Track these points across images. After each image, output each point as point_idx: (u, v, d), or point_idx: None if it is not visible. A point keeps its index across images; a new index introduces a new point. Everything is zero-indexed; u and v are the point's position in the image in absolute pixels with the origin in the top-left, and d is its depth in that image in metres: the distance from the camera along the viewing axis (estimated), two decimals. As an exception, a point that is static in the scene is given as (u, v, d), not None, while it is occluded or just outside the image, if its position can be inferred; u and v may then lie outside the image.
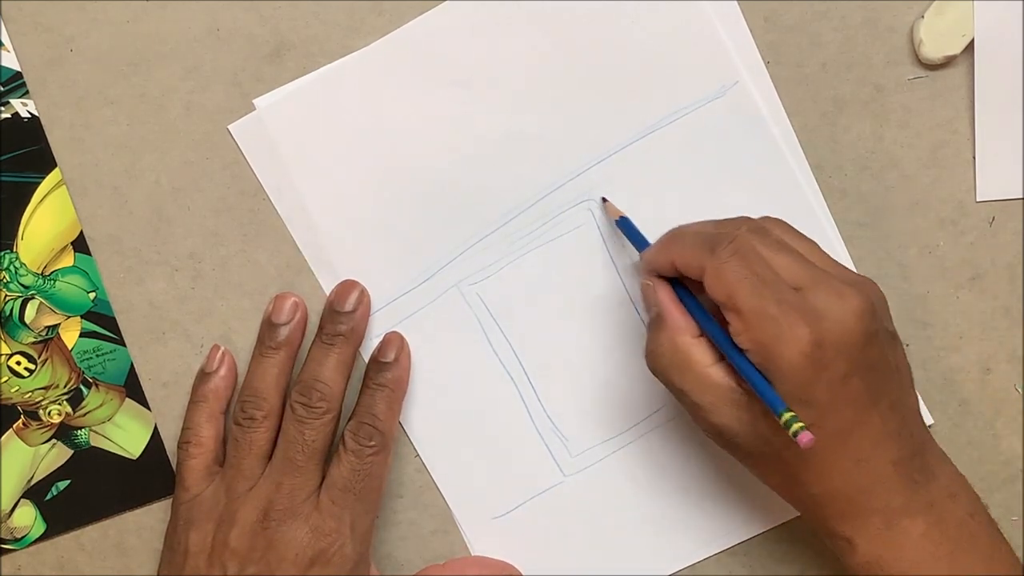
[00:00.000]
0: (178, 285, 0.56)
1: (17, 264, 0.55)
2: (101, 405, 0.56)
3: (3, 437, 0.56)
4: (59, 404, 0.56)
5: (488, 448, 0.56)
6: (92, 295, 0.56)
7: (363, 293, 0.55)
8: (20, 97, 0.55)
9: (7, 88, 0.55)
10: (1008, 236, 0.55)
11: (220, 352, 0.55)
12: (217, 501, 0.52)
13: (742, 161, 0.55)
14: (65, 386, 0.56)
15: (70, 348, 0.56)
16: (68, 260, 0.55)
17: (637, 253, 0.52)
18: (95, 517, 0.56)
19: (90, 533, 0.57)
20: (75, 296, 0.56)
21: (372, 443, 0.52)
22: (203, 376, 0.55)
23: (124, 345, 0.56)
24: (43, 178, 0.55)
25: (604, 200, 0.55)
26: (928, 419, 0.55)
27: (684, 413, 0.56)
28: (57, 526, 0.56)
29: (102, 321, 0.56)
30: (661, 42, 0.54)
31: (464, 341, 0.56)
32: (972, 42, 0.54)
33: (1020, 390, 0.56)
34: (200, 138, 0.55)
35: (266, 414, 0.53)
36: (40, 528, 0.56)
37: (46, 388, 0.56)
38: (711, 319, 0.48)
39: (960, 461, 0.50)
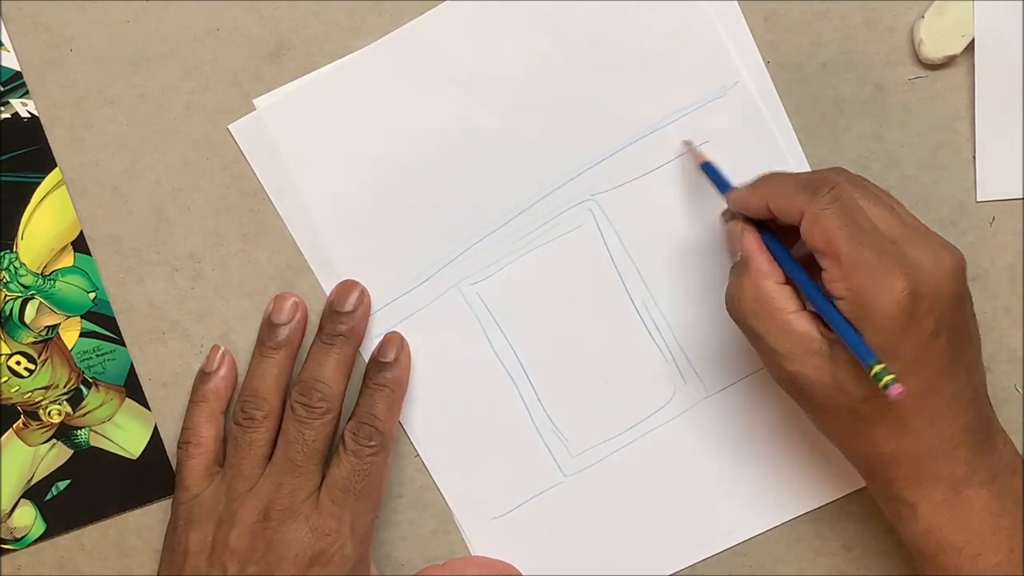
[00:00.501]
0: (178, 285, 0.56)
1: (17, 264, 0.55)
2: (101, 405, 0.56)
3: (3, 437, 0.56)
4: (59, 404, 0.56)
5: (488, 448, 0.56)
6: (92, 295, 0.56)
7: (363, 293, 0.55)
8: (20, 97, 0.55)
9: (7, 88, 0.55)
10: (1008, 236, 0.55)
11: (220, 352, 0.55)
12: (217, 501, 0.52)
13: (742, 161, 0.54)
14: (65, 386, 0.56)
15: (70, 348, 0.56)
16: (68, 260, 0.55)
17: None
18: (95, 517, 0.56)
19: (90, 533, 0.57)
20: (75, 296, 0.56)
21: (372, 443, 0.52)
22: (203, 376, 0.55)
23: (124, 345, 0.56)
24: (43, 178, 0.55)
25: (687, 143, 0.54)
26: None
27: (684, 414, 0.56)
28: (57, 526, 0.56)
29: (102, 321, 0.56)
30: (661, 42, 0.54)
31: (464, 341, 0.56)
32: (972, 42, 0.54)
33: (1020, 390, 0.56)
34: (200, 138, 0.55)
35: (266, 414, 0.53)
36: (40, 528, 0.56)
37: (46, 388, 0.56)
38: (798, 266, 0.47)
39: (960, 461, 0.50)
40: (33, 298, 0.55)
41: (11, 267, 0.55)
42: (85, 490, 0.56)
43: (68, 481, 0.56)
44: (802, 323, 0.47)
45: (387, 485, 0.56)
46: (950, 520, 0.47)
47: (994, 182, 0.55)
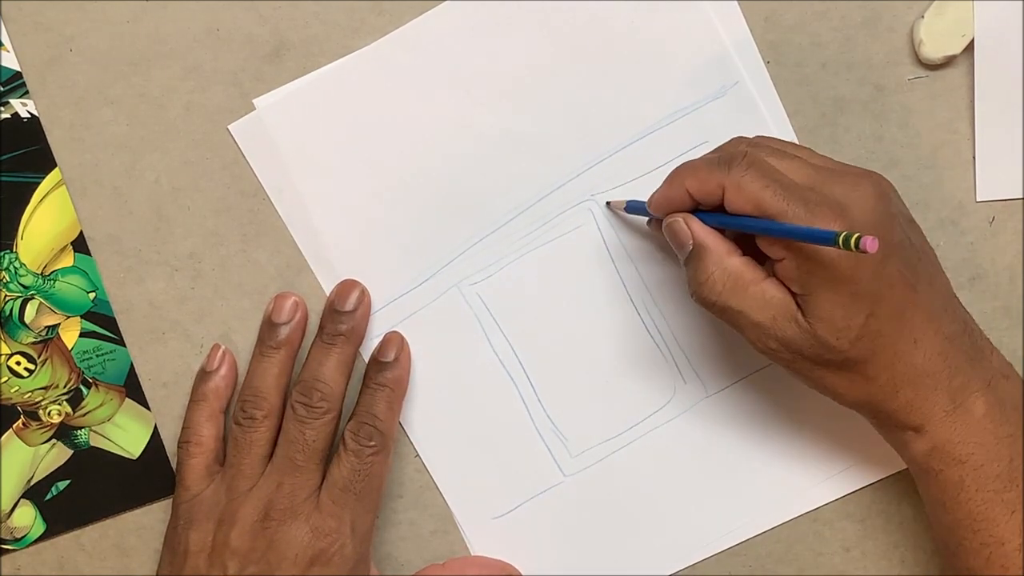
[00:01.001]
0: (178, 285, 0.56)
1: (17, 264, 0.55)
2: (101, 405, 0.56)
3: (3, 437, 0.56)
4: (59, 404, 0.56)
5: (488, 448, 0.56)
6: (92, 295, 0.56)
7: (363, 293, 0.55)
8: (20, 97, 0.55)
9: (7, 88, 0.55)
10: (1008, 236, 0.55)
11: (220, 351, 0.55)
12: (217, 501, 0.52)
13: (742, 161, 0.55)
14: (65, 386, 0.56)
15: (70, 348, 0.56)
16: (68, 260, 0.55)
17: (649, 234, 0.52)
18: (95, 517, 0.56)
19: (90, 533, 0.57)
20: (75, 296, 0.56)
21: (372, 443, 0.52)
22: (203, 375, 0.55)
23: (124, 345, 0.56)
24: (43, 178, 0.55)
25: (608, 204, 0.55)
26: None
27: (684, 414, 0.56)
28: (57, 526, 0.56)
29: (102, 321, 0.56)
30: (661, 42, 0.54)
31: (464, 341, 0.56)
32: (972, 42, 0.54)
33: (1020, 390, 0.56)
34: (200, 138, 0.55)
35: (266, 414, 0.53)
36: (40, 528, 0.56)
37: (46, 388, 0.56)
38: (742, 216, 0.47)
39: (960, 461, 0.50)
40: (33, 298, 0.55)
41: (11, 267, 0.55)
42: (85, 490, 0.56)
43: (68, 481, 0.56)
44: (774, 289, 0.47)
45: (387, 485, 0.56)
46: (953, 433, 0.48)
47: (994, 182, 0.55)
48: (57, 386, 0.56)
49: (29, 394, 0.56)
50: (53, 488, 0.56)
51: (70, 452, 0.56)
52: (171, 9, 0.54)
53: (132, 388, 0.56)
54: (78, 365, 0.56)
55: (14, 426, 0.56)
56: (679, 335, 0.56)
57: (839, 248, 0.42)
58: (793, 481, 0.56)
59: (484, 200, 0.55)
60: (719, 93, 0.54)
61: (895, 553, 0.57)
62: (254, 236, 0.56)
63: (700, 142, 0.54)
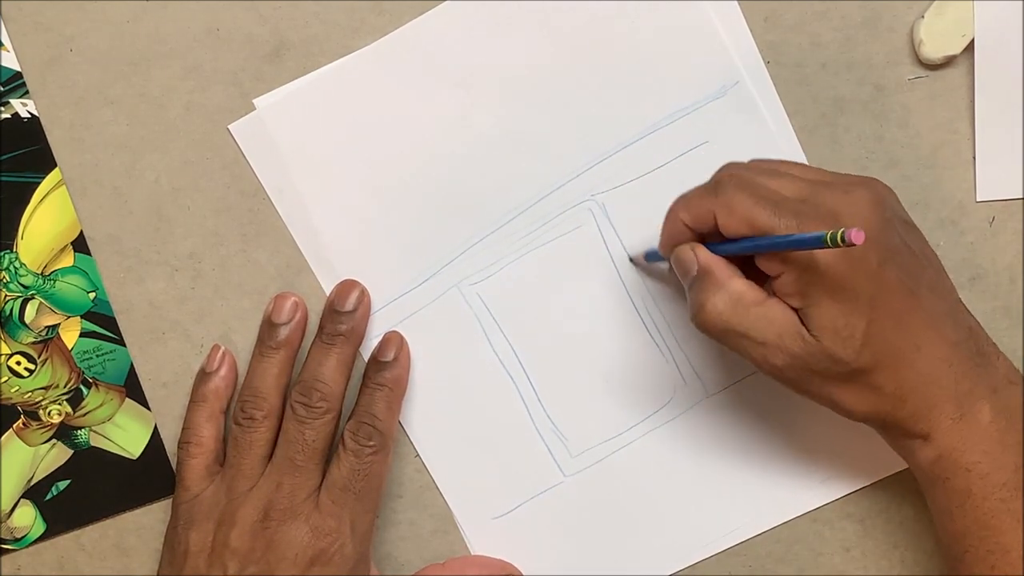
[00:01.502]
0: (178, 285, 0.56)
1: (17, 264, 0.55)
2: (101, 405, 0.56)
3: (3, 437, 0.56)
4: (59, 404, 0.56)
5: (488, 448, 0.56)
6: (92, 295, 0.56)
7: (363, 293, 0.55)
8: (20, 97, 0.55)
9: (7, 88, 0.55)
10: (1008, 236, 0.55)
11: (220, 352, 0.55)
12: (217, 501, 0.52)
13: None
14: (65, 386, 0.56)
15: (70, 348, 0.56)
16: (68, 260, 0.55)
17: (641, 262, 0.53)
18: (95, 517, 0.56)
19: (90, 533, 0.57)
20: (75, 296, 0.56)
21: (372, 443, 0.52)
22: (203, 376, 0.55)
23: (124, 345, 0.56)
24: (43, 178, 0.55)
25: (631, 259, 0.55)
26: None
27: (684, 414, 0.56)
28: (57, 526, 0.56)
29: (102, 321, 0.56)
30: (661, 42, 0.54)
31: (464, 341, 0.56)
32: (972, 42, 0.54)
33: (1020, 390, 0.56)
34: (200, 138, 0.55)
35: (266, 414, 0.53)
36: (40, 528, 0.56)
37: (46, 388, 0.56)
38: (739, 239, 0.47)
39: (960, 461, 0.50)
40: (33, 298, 0.55)
41: (11, 267, 0.55)
42: (85, 490, 0.56)
43: (68, 481, 0.56)
44: (778, 309, 0.47)
45: (387, 485, 0.56)
46: (960, 441, 0.48)
47: (994, 182, 0.55)
48: (57, 386, 0.56)
49: (29, 394, 0.56)
50: (53, 488, 0.56)
51: (70, 452, 0.56)
52: (171, 9, 0.54)
53: (132, 388, 0.56)
54: (78, 365, 0.56)
55: (14, 426, 0.56)
56: (679, 335, 0.56)
57: (827, 247, 0.42)
58: (793, 481, 0.56)
59: (484, 200, 0.55)
60: (719, 93, 0.54)
61: (895, 553, 0.57)
62: (254, 236, 0.56)
63: (700, 142, 0.54)
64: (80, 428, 0.56)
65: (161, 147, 0.55)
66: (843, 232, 0.41)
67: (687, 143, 0.55)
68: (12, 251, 0.55)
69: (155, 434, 0.56)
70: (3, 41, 0.55)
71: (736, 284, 0.48)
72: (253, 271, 0.56)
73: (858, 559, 0.57)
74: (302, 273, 0.56)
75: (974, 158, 0.55)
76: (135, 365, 0.56)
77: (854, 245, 0.41)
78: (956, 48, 0.54)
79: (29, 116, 0.55)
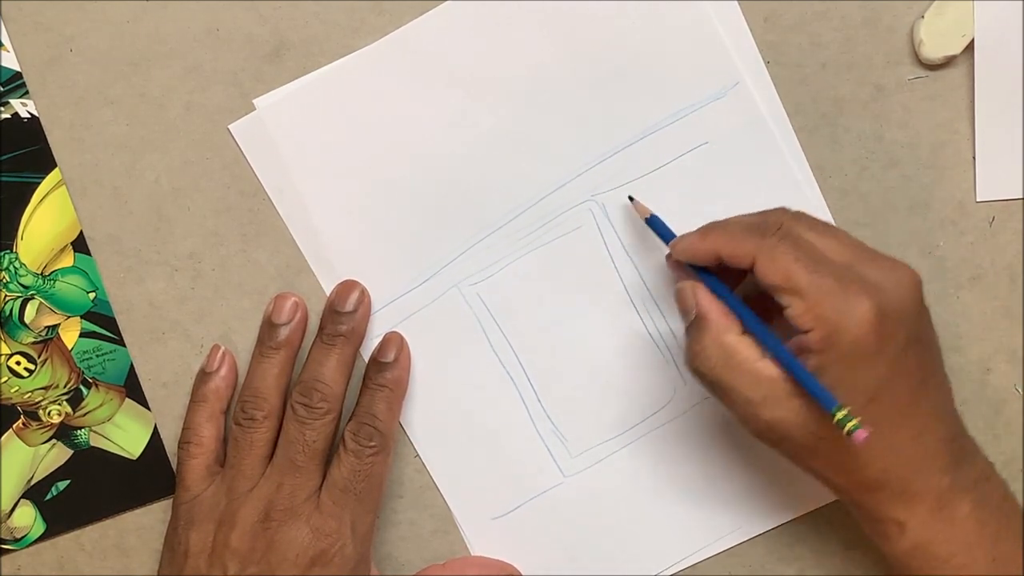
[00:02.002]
0: (178, 285, 0.56)
1: (17, 264, 0.55)
2: (101, 405, 0.56)
3: (3, 437, 0.56)
4: (59, 404, 0.56)
5: (488, 448, 0.56)
6: (92, 295, 0.56)
7: (363, 293, 0.55)
8: (20, 97, 0.55)
9: (7, 88, 0.55)
10: (1008, 236, 0.55)
11: (220, 352, 0.55)
12: (218, 501, 0.52)
13: (742, 161, 0.55)
14: (65, 386, 0.56)
15: (70, 348, 0.56)
16: (68, 260, 0.55)
17: (663, 249, 0.52)
18: (95, 517, 0.56)
19: (90, 533, 0.57)
20: (75, 296, 0.56)
21: (372, 443, 0.52)
22: (203, 376, 0.55)
23: (124, 345, 0.56)
24: (43, 178, 0.55)
25: (631, 199, 0.54)
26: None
27: (684, 414, 0.56)
28: (57, 526, 0.56)
29: (102, 321, 0.56)
30: (661, 42, 0.54)
31: (464, 341, 0.56)
32: (972, 42, 0.54)
33: (1020, 390, 0.56)
34: (200, 138, 0.55)
35: (266, 414, 0.53)
36: (40, 528, 0.56)
37: (46, 388, 0.56)
38: (756, 317, 0.48)
39: (960, 461, 0.50)
40: (33, 298, 0.55)
41: (11, 267, 0.55)
42: (85, 490, 0.56)
43: (68, 481, 0.56)
44: (769, 369, 0.47)
45: (387, 485, 0.56)
46: (937, 533, 0.47)
47: (994, 182, 0.55)
48: (57, 386, 0.56)
49: (29, 394, 0.56)
50: (53, 488, 0.56)
51: (70, 452, 0.56)
52: (171, 9, 0.54)
53: (132, 388, 0.56)
54: (78, 365, 0.56)
55: (14, 426, 0.56)
56: (679, 335, 0.56)
57: (829, 414, 0.43)
58: (794, 481, 0.56)
59: (484, 200, 0.55)
60: (719, 93, 0.54)
61: (895, 553, 0.57)
62: (254, 236, 0.56)
63: (700, 142, 0.54)
64: (80, 428, 0.56)
65: (161, 147, 0.55)
66: (852, 427, 0.42)
67: (687, 143, 0.54)
68: (12, 251, 0.55)
69: (155, 434, 0.56)
70: (3, 41, 0.55)
71: (730, 339, 0.48)
72: (253, 271, 0.56)
73: (858, 559, 0.57)
74: (302, 273, 0.56)
75: (974, 158, 0.55)
76: (135, 365, 0.56)
77: (852, 439, 0.42)
78: (956, 48, 0.54)
79: (29, 116, 0.55)
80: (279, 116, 0.55)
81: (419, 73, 0.54)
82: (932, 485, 0.47)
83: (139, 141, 0.55)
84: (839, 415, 0.43)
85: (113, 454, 0.56)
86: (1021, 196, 0.55)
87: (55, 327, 0.56)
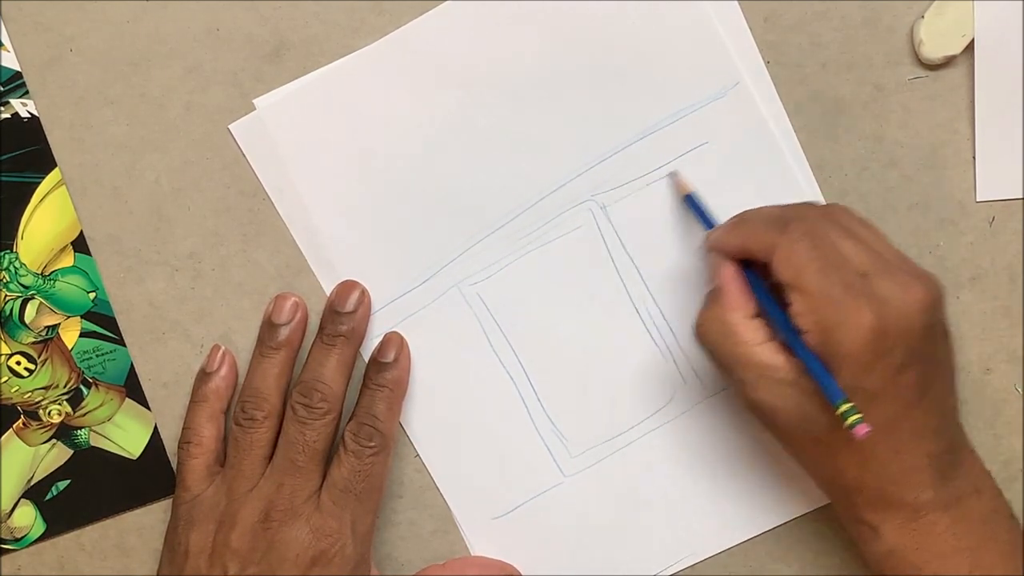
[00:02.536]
0: (178, 285, 0.56)
1: (17, 264, 0.55)
2: (101, 405, 0.56)
3: (3, 437, 0.56)
4: (59, 404, 0.56)
5: (488, 448, 0.56)
6: (92, 295, 0.56)
7: (363, 293, 0.55)
8: (20, 97, 0.55)
9: (7, 88, 0.55)
10: (1008, 236, 0.55)
11: (220, 352, 0.55)
12: (218, 501, 0.52)
13: (742, 161, 0.55)
14: (65, 386, 0.56)
15: (70, 348, 0.56)
16: (68, 260, 0.55)
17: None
18: (95, 517, 0.56)
19: (90, 533, 0.57)
20: (75, 296, 0.56)
21: (372, 444, 0.52)
22: (203, 376, 0.55)
23: (124, 345, 0.56)
24: (43, 178, 0.55)
25: (673, 174, 0.54)
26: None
27: (684, 414, 0.56)
28: (57, 526, 0.56)
29: (102, 321, 0.56)
30: (661, 42, 0.54)
31: (464, 341, 0.56)
32: (972, 42, 0.54)
33: (1020, 390, 0.56)
34: (200, 138, 0.55)
35: (267, 415, 0.53)
36: (40, 528, 0.56)
37: (46, 388, 0.56)
38: (773, 301, 0.48)
39: (960, 461, 0.50)
40: (33, 298, 0.55)
41: (11, 267, 0.55)
42: (85, 490, 0.56)
43: (68, 481, 0.56)
44: (767, 354, 0.47)
45: (387, 485, 0.56)
46: (911, 542, 0.48)
47: (994, 182, 0.55)
48: (57, 386, 0.56)
49: (29, 394, 0.56)
50: (53, 488, 0.56)
51: (70, 452, 0.56)
52: (171, 9, 0.54)
53: (132, 388, 0.56)
54: (78, 365, 0.56)
55: (14, 426, 0.56)
56: (679, 335, 0.56)
57: (833, 405, 0.44)
58: (793, 481, 0.56)
59: (484, 200, 0.55)
60: (719, 93, 0.54)
61: (895, 553, 0.57)
62: (254, 236, 0.56)
63: (700, 142, 0.54)
64: (80, 428, 0.56)
65: (161, 147, 0.55)
66: (854, 421, 0.43)
67: (687, 143, 0.55)
68: (12, 251, 0.55)
69: (155, 434, 0.56)
70: (3, 41, 0.55)
71: (736, 318, 0.48)
72: (253, 271, 0.56)
73: (858, 559, 0.57)
74: (302, 273, 0.56)
75: (974, 158, 0.55)
76: (135, 365, 0.56)
77: (853, 433, 0.43)
78: (956, 48, 0.54)
79: (29, 116, 0.55)
80: (279, 116, 0.55)
81: (419, 73, 0.54)
82: (909, 499, 0.47)
83: (139, 141, 0.55)
84: (843, 408, 0.44)
85: (113, 454, 0.56)
86: (1021, 196, 0.55)
87: (55, 327, 0.56)
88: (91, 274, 0.56)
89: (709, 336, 0.49)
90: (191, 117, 0.55)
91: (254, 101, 0.55)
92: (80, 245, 0.55)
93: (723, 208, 0.53)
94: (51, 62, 0.55)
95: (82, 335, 0.56)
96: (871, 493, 0.48)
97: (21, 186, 0.55)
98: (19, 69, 0.55)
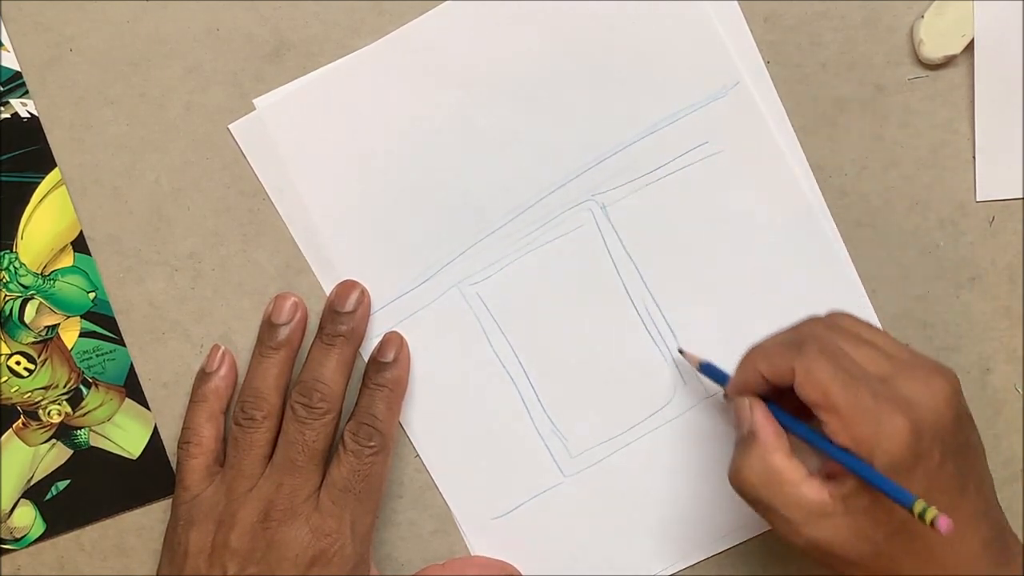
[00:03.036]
0: (178, 285, 0.56)
1: (17, 264, 0.55)
2: (101, 405, 0.56)
3: (3, 437, 0.56)
4: (59, 404, 0.56)
5: (488, 448, 0.56)
6: (92, 295, 0.56)
7: (363, 293, 0.55)
8: (20, 97, 0.55)
9: (7, 88, 0.55)
10: (1008, 236, 0.55)
11: (220, 352, 0.55)
12: (217, 501, 0.52)
13: (742, 161, 0.55)
14: (65, 386, 0.56)
15: (70, 348, 0.56)
16: (68, 260, 0.55)
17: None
18: (95, 517, 0.56)
19: (90, 533, 0.57)
20: (75, 296, 0.56)
21: (372, 443, 0.52)
22: (203, 376, 0.55)
23: (124, 345, 0.56)
24: (43, 178, 0.55)
25: (682, 351, 0.55)
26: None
27: (684, 414, 0.56)
28: (57, 526, 0.56)
29: (102, 321, 0.56)
30: (661, 42, 0.54)
31: (464, 341, 0.56)
32: (972, 42, 0.54)
33: (1020, 390, 0.56)
34: (200, 138, 0.55)
35: (266, 414, 0.53)
36: (40, 528, 0.56)
37: (46, 388, 0.56)
38: (813, 431, 0.47)
39: (960, 461, 0.50)
40: (33, 298, 0.55)
41: (11, 267, 0.55)
42: (85, 490, 0.56)
43: (68, 481, 0.56)
44: (812, 491, 0.47)
45: (387, 485, 0.56)
46: None
47: (994, 182, 0.55)
48: (57, 386, 0.56)
49: (29, 394, 0.56)
50: (53, 488, 0.56)
51: (70, 452, 0.56)
52: (171, 9, 0.54)
53: (132, 388, 0.56)
54: (78, 365, 0.56)
55: (14, 426, 0.56)
56: (679, 335, 0.56)
57: (912, 515, 0.43)
58: (793, 481, 0.56)
59: (484, 200, 0.55)
60: (719, 93, 0.54)
61: (895, 553, 0.57)
62: (254, 236, 0.56)
63: (700, 142, 0.54)
64: (80, 428, 0.56)
65: (161, 147, 0.55)
66: (934, 516, 0.42)
67: (687, 143, 0.55)
68: (12, 251, 0.55)
69: (155, 434, 0.56)
70: (3, 41, 0.55)
71: (777, 460, 0.47)
72: (253, 271, 0.56)
73: (858, 559, 0.57)
74: (302, 273, 0.56)
75: (974, 158, 0.55)
76: (135, 365, 0.56)
77: (936, 528, 0.42)
78: (956, 48, 0.54)
79: (29, 116, 0.55)
80: (279, 116, 0.55)
81: (419, 73, 0.54)
82: None
83: (139, 141, 0.55)
84: (919, 507, 0.43)
85: (113, 454, 0.56)
86: (1021, 196, 0.55)
87: (55, 327, 0.56)
88: (91, 274, 0.56)
89: (750, 482, 0.48)
90: (191, 117, 0.55)
91: (254, 101, 0.55)
92: (80, 245, 0.55)
93: (723, 208, 0.53)
94: (51, 62, 0.55)
95: (82, 335, 0.56)
96: None
97: (21, 186, 0.55)
98: (19, 69, 0.55)
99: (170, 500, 0.55)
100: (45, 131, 0.55)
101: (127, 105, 0.55)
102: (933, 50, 0.54)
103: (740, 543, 0.57)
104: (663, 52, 0.54)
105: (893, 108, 0.55)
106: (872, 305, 0.55)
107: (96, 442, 0.56)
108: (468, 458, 0.56)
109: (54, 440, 0.56)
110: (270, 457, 0.53)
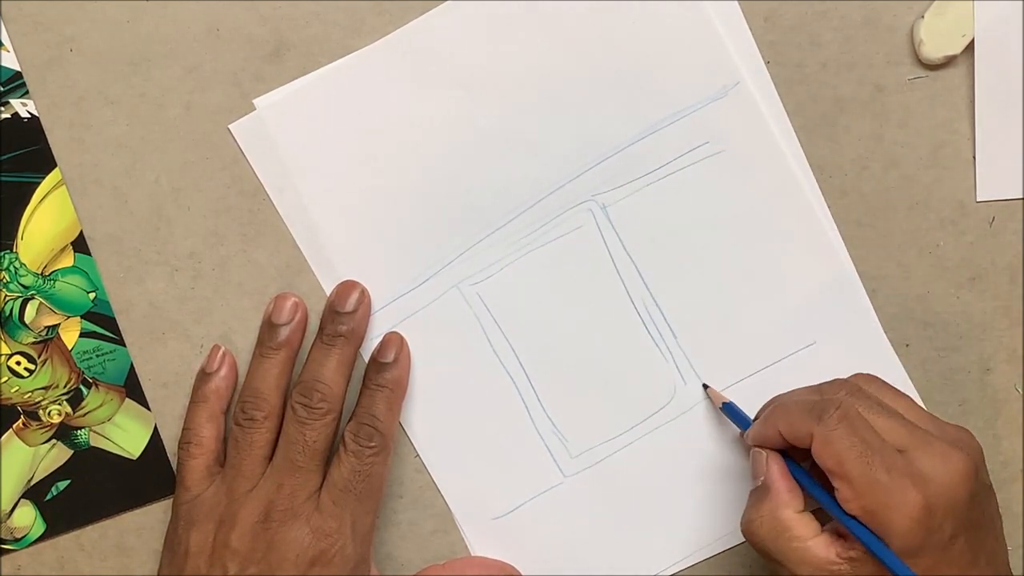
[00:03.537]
0: (178, 285, 0.56)
1: (17, 264, 0.55)
2: (101, 405, 0.56)
3: (3, 437, 0.56)
4: (59, 404, 0.56)
5: (488, 448, 0.56)
6: (92, 295, 0.56)
7: (363, 293, 0.55)
8: (20, 97, 0.55)
9: (7, 88, 0.55)
10: (1008, 236, 0.55)
11: (220, 352, 0.55)
12: (218, 502, 0.52)
13: (742, 161, 0.55)
14: (65, 386, 0.56)
15: (70, 348, 0.56)
16: (68, 260, 0.55)
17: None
18: (95, 517, 0.56)
19: (90, 533, 0.57)
20: (75, 296, 0.56)
21: (372, 444, 0.52)
22: (203, 376, 0.55)
23: (124, 345, 0.56)
24: (43, 178, 0.55)
25: (706, 387, 0.55)
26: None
27: (684, 414, 0.56)
28: (57, 526, 0.56)
29: (102, 321, 0.56)
30: (661, 42, 0.54)
31: (464, 341, 0.56)
32: (972, 42, 0.54)
33: (1020, 390, 0.56)
34: (200, 138, 0.55)
35: (266, 415, 0.53)
36: (40, 528, 0.56)
37: (46, 388, 0.56)
38: (825, 493, 0.48)
39: (960, 461, 0.50)
40: (33, 298, 0.55)
41: (11, 267, 0.55)
42: (85, 490, 0.56)
43: (68, 481, 0.56)
44: (821, 549, 0.47)
45: (387, 485, 0.56)
46: None
47: (994, 182, 0.55)
48: (57, 386, 0.56)
49: (29, 394, 0.56)
50: (53, 488, 0.56)
51: (70, 452, 0.56)
52: (171, 9, 0.54)
53: (132, 388, 0.56)
54: (78, 365, 0.56)
55: (14, 426, 0.56)
56: (679, 335, 0.56)
57: None
58: (793, 481, 0.56)
59: (484, 200, 0.55)
60: (719, 93, 0.54)
61: (895, 553, 0.57)
62: (254, 236, 0.56)
63: (700, 142, 0.54)
64: (80, 428, 0.56)
65: (161, 147, 0.55)
66: None
67: (687, 143, 0.55)
68: (12, 251, 0.55)
69: (155, 434, 0.56)
70: (3, 41, 0.55)
71: (787, 514, 0.48)
72: (253, 271, 0.56)
73: (858, 559, 0.57)
74: (302, 273, 0.56)
75: (974, 158, 0.55)
76: (135, 365, 0.56)
77: None
78: (956, 48, 0.54)
79: (29, 116, 0.55)
80: (279, 116, 0.55)
81: (419, 73, 0.54)
82: None
83: (139, 141, 0.55)
84: None
85: (113, 454, 0.56)
86: (1021, 196, 0.55)
87: (55, 327, 0.56)
88: (91, 274, 0.56)
89: (760, 534, 0.49)
90: (191, 117, 0.55)
91: (254, 101, 0.55)
92: (80, 245, 0.55)
93: (723, 208, 0.53)
94: (51, 62, 0.55)
95: (82, 335, 0.56)
96: None
97: (21, 186, 0.55)
98: (19, 69, 0.55)
99: (170, 500, 0.55)
100: (45, 131, 0.55)
101: (127, 105, 0.55)
102: (933, 50, 0.54)
103: (740, 543, 0.57)
104: (663, 52, 0.54)
105: (893, 108, 0.55)
106: (872, 305, 0.55)
107: (96, 442, 0.56)
108: (468, 458, 0.56)
109: (54, 440, 0.56)
110: (270, 457, 0.53)
